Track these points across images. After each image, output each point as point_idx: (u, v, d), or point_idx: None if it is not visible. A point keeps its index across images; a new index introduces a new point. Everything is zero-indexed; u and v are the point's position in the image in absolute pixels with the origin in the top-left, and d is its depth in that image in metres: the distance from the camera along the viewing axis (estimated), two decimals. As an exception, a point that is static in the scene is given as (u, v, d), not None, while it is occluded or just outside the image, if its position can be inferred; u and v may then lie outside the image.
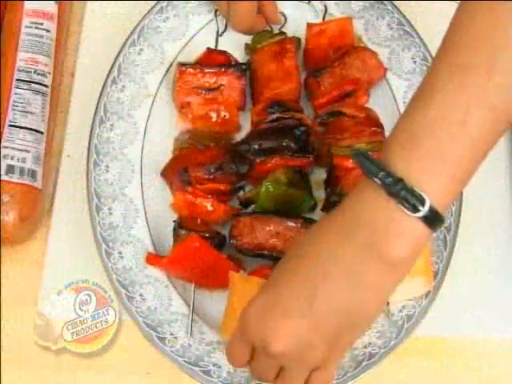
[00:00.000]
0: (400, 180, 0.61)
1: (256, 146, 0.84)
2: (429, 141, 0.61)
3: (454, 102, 0.61)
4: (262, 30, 0.92)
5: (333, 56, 0.89)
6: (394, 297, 0.80)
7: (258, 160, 0.84)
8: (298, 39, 0.91)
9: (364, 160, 0.63)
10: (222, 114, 0.88)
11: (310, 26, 0.90)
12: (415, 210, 0.61)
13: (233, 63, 0.89)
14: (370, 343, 0.80)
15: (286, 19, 0.94)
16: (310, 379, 0.68)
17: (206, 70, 0.88)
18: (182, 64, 0.88)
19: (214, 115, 0.88)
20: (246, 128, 0.89)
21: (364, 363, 0.79)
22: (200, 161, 0.84)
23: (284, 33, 0.91)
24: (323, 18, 0.92)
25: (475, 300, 0.84)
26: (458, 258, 0.83)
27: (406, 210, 0.61)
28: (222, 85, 0.88)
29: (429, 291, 0.80)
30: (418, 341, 0.81)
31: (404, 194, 0.61)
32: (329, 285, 0.64)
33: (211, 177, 0.83)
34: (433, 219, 0.62)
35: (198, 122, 0.88)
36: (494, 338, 0.83)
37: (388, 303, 0.81)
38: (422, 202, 0.61)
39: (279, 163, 0.84)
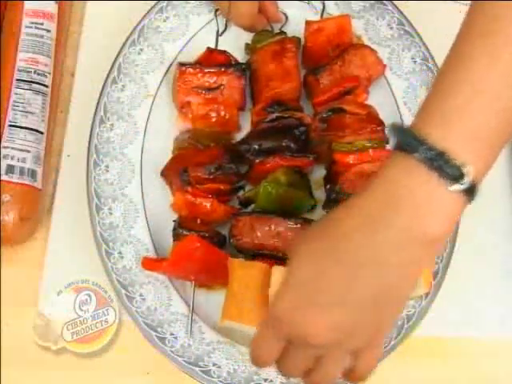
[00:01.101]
0: (442, 153, 0.60)
1: (256, 146, 0.84)
2: (466, 115, 0.61)
3: (488, 75, 0.61)
4: (263, 30, 0.92)
5: (332, 53, 0.89)
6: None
7: (257, 160, 0.84)
8: (298, 39, 0.91)
9: (402, 134, 0.62)
10: (222, 113, 0.88)
11: (308, 23, 0.90)
12: (457, 183, 0.60)
13: (233, 63, 0.89)
14: (369, 343, 0.80)
15: (286, 19, 0.94)
16: (356, 365, 0.66)
17: (206, 70, 0.88)
18: (182, 64, 0.88)
19: (213, 115, 0.88)
20: (245, 128, 0.89)
21: (364, 363, 0.79)
22: (200, 161, 0.84)
23: (284, 32, 0.91)
24: (321, 16, 0.92)
25: (475, 300, 0.84)
26: (458, 258, 0.83)
27: (448, 185, 0.60)
28: (222, 85, 0.88)
29: (429, 291, 0.80)
30: (417, 341, 0.81)
31: (447, 168, 0.60)
32: (366, 272, 0.62)
33: (211, 177, 0.83)
34: (472, 191, 0.61)
35: (198, 122, 0.88)
36: (494, 337, 0.83)
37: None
38: (463, 176, 0.60)
39: (279, 163, 0.84)
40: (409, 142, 0.61)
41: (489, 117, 0.61)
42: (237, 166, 0.84)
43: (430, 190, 0.61)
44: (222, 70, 0.88)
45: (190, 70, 0.88)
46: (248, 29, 0.92)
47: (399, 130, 0.63)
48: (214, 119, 0.88)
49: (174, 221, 0.84)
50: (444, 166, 0.60)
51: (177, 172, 0.84)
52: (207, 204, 0.83)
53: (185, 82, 0.88)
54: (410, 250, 0.62)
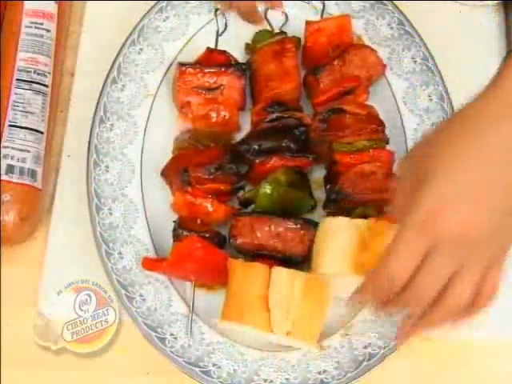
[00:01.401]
0: None
1: (256, 147, 0.84)
2: None
3: None
4: (263, 30, 0.92)
5: (332, 53, 0.89)
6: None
7: (257, 160, 0.84)
8: (298, 39, 0.91)
9: None
10: (222, 113, 0.88)
11: (308, 23, 0.90)
12: None
13: (233, 63, 0.89)
14: (370, 344, 0.80)
15: (286, 19, 0.94)
16: (483, 286, 0.64)
17: (206, 70, 0.88)
18: (182, 64, 0.88)
19: (214, 115, 0.88)
20: (246, 128, 0.89)
21: (364, 363, 0.79)
22: (200, 161, 0.84)
23: (284, 32, 0.91)
24: (321, 16, 0.92)
25: (475, 300, 0.84)
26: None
27: None
28: (222, 85, 0.88)
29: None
30: (418, 341, 0.81)
31: None
32: (504, 159, 0.61)
33: (211, 177, 0.83)
34: None
35: (198, 122, 0.88)
36: (495, 337, 0.83)
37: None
38: None
39: (279, 164, 0.84)
40: None
41: None
42: (237, 167, 0.84)
43: None
44: (222, 70, 0.88)
45: (190, 70, 0.88)
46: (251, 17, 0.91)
47: None
48: (214, 119, 0.88)
49: (174, 221, 0.84)
50: None
51: (177, 172, 0.84)
52: (207, 204, 0.83)
53: (185, 81, 0.87)
54: None
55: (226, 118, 0.88)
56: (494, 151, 0.61)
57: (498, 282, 0.64)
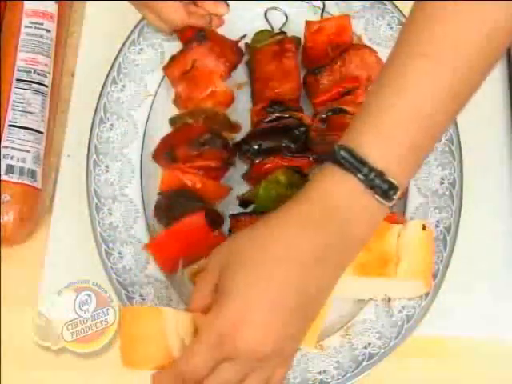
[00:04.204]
0: (382, 174, 0.64)
1: (256, 147, 0.84)
2: (401, 134, 0.64)
3: (421, 94, 0.64)
4: (263, 30, 0.92)
5: (332, 53, 0.89)
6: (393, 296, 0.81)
7: (257, 160, 0.84)
8: (298, 39, 0.91)
9: (349, 156, 0.64)
10: (204, 87, 0.86)
11: (308, 23, 0.90)
12: (390, 199, 0.65)
13: (195, 34, 0.87)
14: (369, 343, 0.80)
15: (286, 19, 0.94)
16: (271, 377, 0.68)
17: (178, 55, 0.87)
18: (168, 62, 0.88)
19: (197, 92, 0.87)
20: (246, 128, 0.89)
21: (364, 363, 0.79)
22: (187, 137, 0.83)
23: (284, 32, 0.91)
24: (321, 16, 0.92)
25: (475, 300, 0.84)
26: (458, 258, 0.82)
27: (382, 201, 0.65)
28: (194, 60, 0.87)
29: (429, 291, 0.80)
30: (417, 341, 0.81)
31: (384, 187, 0.64)
32: (300, 275, 0.64)
33: (197, 152, 0.83)
34: (396, 203, 0.66)
35: (189, 104, 0.87)
36: (494, 337, 0.83)
37: (389, 300, 0.81)
38: (396, 191, 0.65)
39: (279, 163, 0.84)
40: (354, 163, 0.64)
41: (421, 135, 0.65)
42: (224, 139, 0.83)
43: (364, 204, 0.65)
44: (188, 47, 0.87)
45: (171, 62, 0.88)
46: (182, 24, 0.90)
47: (348, 150, 0.65)
48: (200, 96, 0.87)
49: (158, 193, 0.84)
50: (382, 186, 0.64)
51: (165, 151, 0.84)
52: (195, 180, 0.83)
53: (173, 74, 0.88)
54: (341, 253, 0.66)
55: (210, 89, 0.86)
56: (289, 267, 0.64)
57: (286, 371, 0.70)
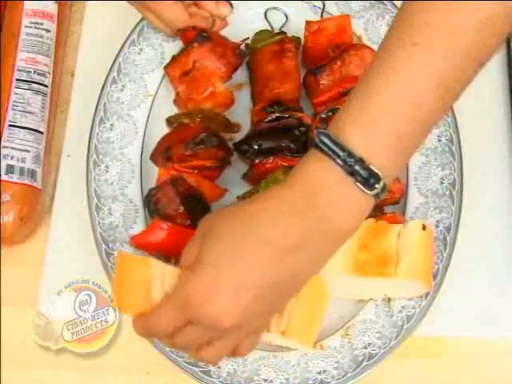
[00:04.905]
0: (361, 160, 0.63)
1: (256, 147, 0.84)
2: (386, 122, 0.64)
3: (410, 83, 0.63)
4: (263, 30, 0.92)
5: (332, 53, 0.89)
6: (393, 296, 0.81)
7: (257, 160, 0.84)
8: (298, 39, 0.91)
9: (328, 141, 0.64)
10: (204, 87, 0.86)
11: (308, 23, 0.90)
12: (371, 187, 0.64)
13: (196, 35, 0.87)
14: (369, 343, 0.80)
15: (286, 19, 0.94)
16: (240, 345, 0.69)
17: (180, 56, 0.87)
18: (169, 61, 0.88)
19: (196, 93, 0.86)
20: (246, 128, 0.89)
21: (364, 363, 0.79)
22: (183, 138, 0.83)
23: (284, 32, 0.91)
24: (321, 16, 0.92)
25: (475, 300, 0.84)
26: (458, 258, 0.82)
27: (363, 188, 0.64)
28: (194, 61, 0.87)
29: (429, 291, 0.80)
30: (417, 341, 0.81)
31: (364, 174, 0.63)
32: (275, 259, 0.65)
33: (192, 152, 0.83)
34: (382, 193, 0.65)
35: (189, 105, 0.87)
36: (494, 337, 0.83)
37: (389, 300, 0.81)
38: (378, 180, 0.64)
39: (279, 163, 0.84)
40: (333, 148, 0.64)
41: (406, 125, 0.64)
42: (219, 139, 0.83)
43: (344, 191, 0.64)
44: (189, 47, 0.87)
45: (172, 63, 0.88)
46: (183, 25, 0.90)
47: (326, 135, 0.65)
48: (198, 97, 0.87)
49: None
50: (361, 172, 0.63)
51: (162, 152, 0.84)
52: (191, 180, 0.83)
53: (174, 76, 0.87)
54: (321, 241, 0.65)
55: (210, 90, 0.86)
56: (264, 250, 0.65)
57: (255, 341, 0.71)
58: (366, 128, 0.64)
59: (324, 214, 0.64)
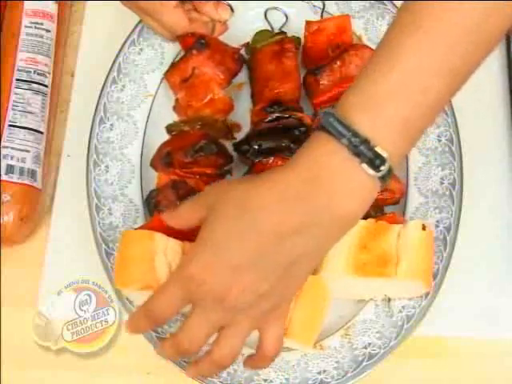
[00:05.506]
0: (366, 140, 0.63)
1: (256, 147, 0.84)
2: (393, 106, 0.64)
3: (416, 67, 0.63)
4: (263, 30, 0.92)
5: (332, 53, 0.89)
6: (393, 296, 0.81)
7: (257, 160, 0.84)
8: (298, 39, 0.91)
9: (334, 121, 0.64)
10: (203, 94, 0.86)
11: (308, 23, 0.90)
12: (377, 169, 0.64)
13: (195, 42, 0.87)
14: (369, 343, 0.80)
15: (286, 19, 0.94)
16: (262, 339, 0.70)
17: (179, 63, 0.87)
18: (169, 68, 0.88)
19: (195, 100, 0.86)
20: (246, 128, 0.89)
21: (364, 363, 0.79)
22: (183, 145, 0.83)
23: (284, 32, 0.91)
24: (321, 16, 0.92)
25: (475, 300, 0.84)
26: (458, 258, 0.83)
27: (368, 170, 0.64)
28: (193, 68, 0.87)
29: (429, 291, 0.80)
30: (417, 341, 0.81)
31: (369, 155, 0.63)
32: (280, 240, 0.65)
33: (191, 160, 0.83)
34: (387, 176, 0.65)
35: (188, 112, 0.87)
36: (494, 337, 0.83)
37: (389, 300, 0.81)
38: (383, 162, 0.64)
39: (279, 164, 0.83)
40: (338, 128, 0.64)
41: (412, 109, 0.64)
42: (219, 146, 0.83)
43: (350, 173, 0.64)
44: (188, 54, 0.87)
45: (171, 69, 0.88)
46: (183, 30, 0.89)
47: (332, 115, 0.65)
48: (197, 104, 0.86)
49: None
50: (367, 153, 0.63)
51: (162, 158, 0.84)
52: (192, 182, 0.83)
53: (174, 82, 0.87)
54: (322, 225, 0.65)
55: (209, 97, 0.86)
56: (265, 233, 0.65)
57: (278, 334, 0.71)
58: (372, 111, 0.64)
59: (329, 199, 0.64)
